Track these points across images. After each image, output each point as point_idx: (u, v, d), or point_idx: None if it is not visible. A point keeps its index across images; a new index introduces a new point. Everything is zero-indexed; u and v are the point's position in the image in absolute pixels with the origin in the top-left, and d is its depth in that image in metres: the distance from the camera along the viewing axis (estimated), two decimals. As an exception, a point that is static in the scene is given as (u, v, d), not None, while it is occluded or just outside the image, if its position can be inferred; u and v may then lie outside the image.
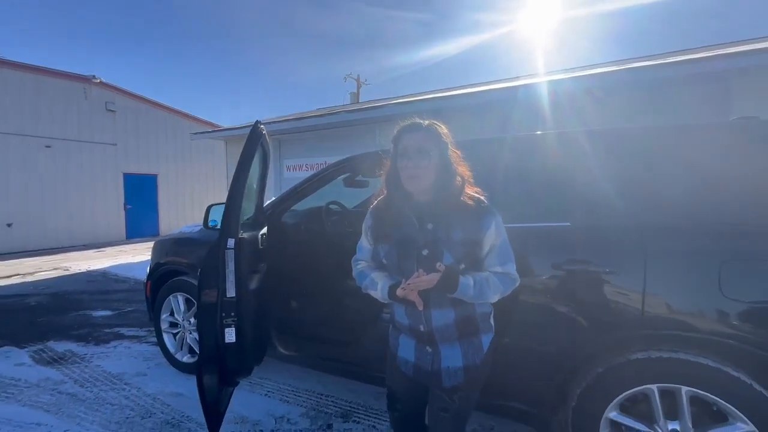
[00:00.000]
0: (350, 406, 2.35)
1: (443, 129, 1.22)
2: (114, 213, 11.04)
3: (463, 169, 1.22)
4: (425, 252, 1.17)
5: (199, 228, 2.80)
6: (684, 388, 1.38)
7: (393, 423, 1.45)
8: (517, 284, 1.23)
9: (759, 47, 4.24)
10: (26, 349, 3.28)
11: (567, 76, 5.33)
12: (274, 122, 7.80)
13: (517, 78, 7.73)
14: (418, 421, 1.43)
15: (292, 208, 2.90)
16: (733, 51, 4.43)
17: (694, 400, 1.39)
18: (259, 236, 2.28)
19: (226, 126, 9.82)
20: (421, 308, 1.19)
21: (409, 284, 1.12)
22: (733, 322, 1.33)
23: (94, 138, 10.61)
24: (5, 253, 8.81)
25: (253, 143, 1.96)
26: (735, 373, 1.32)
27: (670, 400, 1.42)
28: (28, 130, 9.32)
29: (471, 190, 1.22)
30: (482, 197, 1.22)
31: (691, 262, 1.39)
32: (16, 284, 5.85)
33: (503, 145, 1.89)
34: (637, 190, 1.54)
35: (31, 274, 6.62)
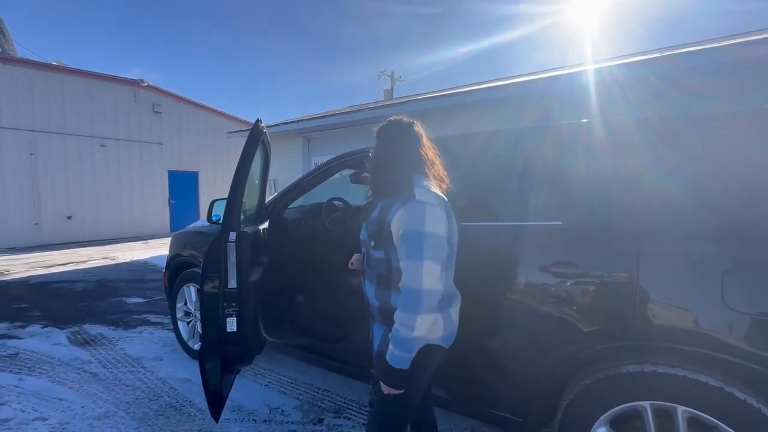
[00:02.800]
0: (345, 402, 2.36)
1: (387, 126, 1.34)
2: (159, 208, 11.84)
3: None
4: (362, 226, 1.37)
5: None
6: (680, 408, 1.24)
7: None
8: (422, 291, 1.10)
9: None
10: (65, 331, 3.60)
11: (604, 65, 4.98)
12: (302, 120, 7.99)
13: (554, 69, 7.35)
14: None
15: (300, 203, 2.96)
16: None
17: (691, 421, 1.24)
18: (261, 230, 2.34)
19: (259, 125, 10.19)
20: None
21: None
22: (738, 337, 1.17)
23: (143, 137, 11.42)
24: (65, 243, 9.75)
25: (254, 141, 2.00)
26: (741, 395, 1.16)
27: (665, 419, 1.28)
28: (85, 131, 10.21)
29: (434, 179, 1.29)
30: (418, 189, 1.20)
31: (690, 267, 1.24)
32: (70, 271, 6.45)
33: (492, 140, 1.79)
34: (633, 188, 1.39)
35: (83, 262, 7.26)
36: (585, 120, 1.65)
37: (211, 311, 1.77)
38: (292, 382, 2.61)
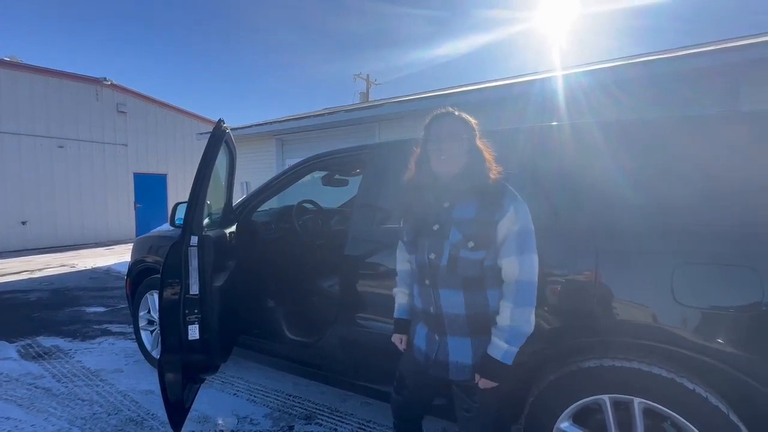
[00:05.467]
0: (316, 408, 2.31)
1: (472, 119, 1.28)
2: (124, 212, 11.32)
3: (489, 157, 1.25)
4: (436, 227, 1.23)
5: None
6: (637, 400, 1.29)
7: (394, 406, 1.48)
8: (535, 284, 1.17)
9: (764, 40, 4.03)
10: (15, 344, 3.36)
11: (572, 72, 5.17)
12: (275, 122, 7.86)
13: (523, 75, 7.58)
14: (419, 410, 1.48)
15: (271, 206, 2.90)
16: (742, 44, 4.23)
17: (648, 412, 1.29)
18: (228, 234, 2.27)
19: (230, 126, 9.93)
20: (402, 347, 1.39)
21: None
22: (687, 330, 1.23)
23: (106, 138, 10.90)
24: (20, 250, 9.13)
25: (216, 141, 1.95)
26: (690, 386, 1.22)
27: (623, 411, 1.33)
28: (40, 131, 9.63)
29: (495, 176, 1.24)
30: (506, 183, 1.24)
31: (643, 264, 1.29)
32: (23, 280, 6.04)
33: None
34: (589, 189, 1.45)
35: (39, 270, 6.82)
36: (552, 123, 1.70)
37: (171, 319, 1.70)
38: (261, 390, 2.54)
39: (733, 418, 1.18)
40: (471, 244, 1.16)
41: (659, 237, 1.29)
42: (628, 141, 1.48)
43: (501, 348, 1.15)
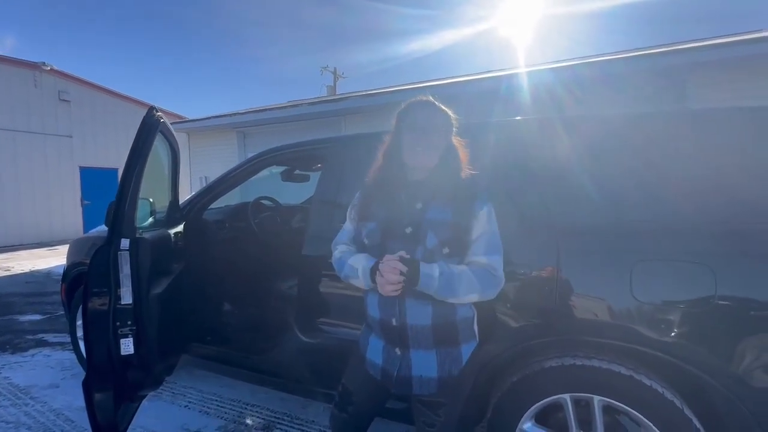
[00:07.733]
0: (275, 417, 2.19)
1: (452, 113, 1.18)
2: (70, 209, 10.45)
3: (463, 156, 1.17)
4: (408, 230, 1.11)
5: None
6: (596, 398, 1.28)
7: (336, 423, 1.33)
8: (501, 285, 1.11)
9: (710, 43, 4.28)
10: (-71, 361, 2.97)
11: (534, 69, 5.26)
12: (236, 114, 7.51)
13: (484, 72, 7.67)
14: (363, 426, 1.33)
15: (226, 203, 2.71)
16: (688, 46, 4.47)
17: (608, 410, 1.28)
18: (173, 234, 2.08)
19: (189, 118, 9.39)
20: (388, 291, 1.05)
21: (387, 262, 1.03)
22: (644, 327, 1.23)
23: (47, 129, 9.97)
24: (-56, 253, 8.20)
25: (148, 131, 1.76)
26: (648, 382, 1.22)
27: (584, 409, 1.32)
28: (-33, 120, 8.67)
29: (468, 175, 1.17)
30: (479, 183, 1.17)
31: (604, 262, 1.28)
32: (-54, 286, 5.40)
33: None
34: (550, 186, 1.42)
35: (-34, 275, 6.14)
36: (515, 118, 1.66)
37: (97, 332, 1.50)
38: (216, 399, 2.38)
39: (687, 412, 1.19)
40: (446, 250, 1.08)
41: (618, 235, 1.28)
42: (588, 137, 1.46)
43: (435, 270, 1.03)
